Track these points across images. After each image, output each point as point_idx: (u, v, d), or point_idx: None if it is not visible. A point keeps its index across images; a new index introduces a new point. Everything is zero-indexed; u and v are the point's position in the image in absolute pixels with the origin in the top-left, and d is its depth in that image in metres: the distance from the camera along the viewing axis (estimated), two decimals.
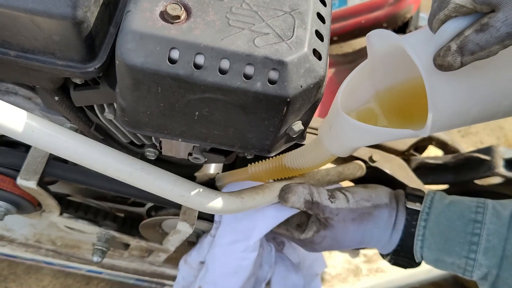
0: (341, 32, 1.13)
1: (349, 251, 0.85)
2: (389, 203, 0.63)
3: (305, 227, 0.63)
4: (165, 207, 0.71)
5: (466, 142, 1.58)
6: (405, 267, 0.65)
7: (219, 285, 0.65)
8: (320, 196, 0.60)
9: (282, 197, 0.59)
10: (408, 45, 0.43)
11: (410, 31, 1.07)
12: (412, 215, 0.61)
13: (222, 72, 0.39)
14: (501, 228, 0.55)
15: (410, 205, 0.62)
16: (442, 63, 0.41)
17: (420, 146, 0.97)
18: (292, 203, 0.59)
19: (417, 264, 0.64)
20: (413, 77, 0.53)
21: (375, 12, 1.10)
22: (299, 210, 0.61)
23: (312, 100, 0.43)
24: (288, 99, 0.40)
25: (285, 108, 0.41)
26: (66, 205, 0.73)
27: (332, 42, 1.17)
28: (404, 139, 0.90)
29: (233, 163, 0.84)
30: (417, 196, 0.63)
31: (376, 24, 1.08)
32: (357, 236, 0.62)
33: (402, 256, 0.62)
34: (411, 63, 0.47)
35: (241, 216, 0.62)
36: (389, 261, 0.65)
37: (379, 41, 0.49)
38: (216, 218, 0.64)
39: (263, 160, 0.65)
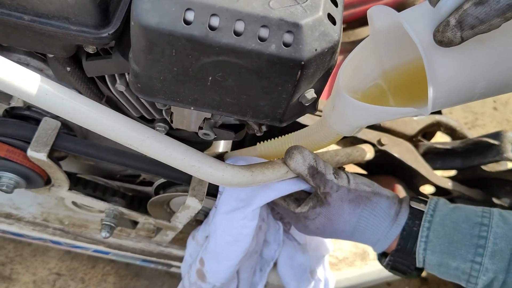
0: (350, 19, 1.13)
1: None
2: (391, 197, 0.61)
3: (302, 202, 0.62)
4: (174, 183, 0.71)
5: (473, 134, 1.56)
6: (403, 273, 0.62)
7: (220, 255, 0.65)
8: (326, 168, 0.59)
9: (288, 153, 0.58)
10: (407, 21, 0.42)
11: None
12: (416, 215, 0.59)
13: (237, 33, 0.39)
14: (509, 232, 0.53)
15: (414, 205, 0.60)
16: (442, 38, 0.40)
17: (428, 132, 0.97)
18: (296, 161, 0.57)
19: (417, 272, 0.61)
20: (419, 54, 0.53)
21: None
22: (302, 188, 0.60)
23: (326, 66, 0.43)
24: (303, 63, 0.40)
25: (299, 72, 0.41)
26: (75, 183, 0.74)
27: None
28: (413, 123, 0.89)
29: (242, 143, 0.84)
30: (422, 200, 0.62)
31: None
32: (352, 220, 0.60)
33: (402, 258, 0.60)
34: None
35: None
36: (386, 265, 0.63)
37: (380, 17, 0.49)
38: (220, 189, 0.64)
39: (272, 139, 0.66)
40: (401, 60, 0.54)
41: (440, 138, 1.07)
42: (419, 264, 0.59)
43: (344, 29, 1.16)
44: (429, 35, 0.41)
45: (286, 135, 0.65)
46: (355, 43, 1.16)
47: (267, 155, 0.66)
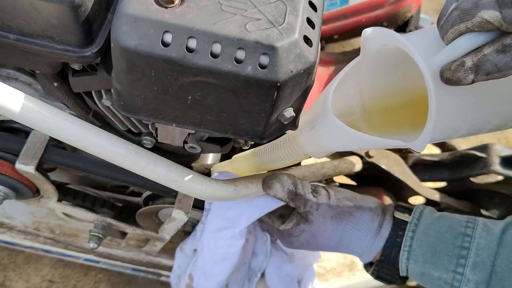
0: (342, 30, 1.14)
1: None
2: (374, 209, 0.62)
3: (286, 218, 0.63)
4: (162, 196, 0.72)
5: (466, 143, 1.57)
6: (388, 281, 0.62)
7: (208, 271, 0.66)
8: (304, 189, 0.59)
9: (266, 183, 0.58)
10: (415, 50, 0.40)
11: (410, 30, 1.08)
12: (399, 225, 0.60)
13: (214, 55, 0.40)
14: (491, 243, 0.54)
15: (398, 215, 0.61)
16: (451, 77, 0.38)
17: None
18: (275, 190, 0.58)
19: (401, 280, 0.62)
20: (404, 83, 0.51)
21: (376, 11, 1.11)
22: (285, 203, 0.61)
23: (303, 86, 0.44)
24: (278, 84, 0.41)
25: (275, 93, 0.42)
26: (65, 193, 0.75)
27: (333, 40, 1.17)
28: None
29: (231, 154, 0.85)
30: (407, 208, 0.62)
31: (376, 23, 1.09)
32: (335, 236, 0.61)
33: (386, 268, 0.61)
34: (406, 68, 0.46)
35: (229, 204, 0.63)
36: (372, 273, 0.63)
37: (375, 39, 0.46)
38: (206, 206, 0.65)
39: (245, 151, 0.65)
40: (382, 86, 0.52)
41: (431, 149, 1.08)
42: (402, 273, 0.60)
43: (337, 40, 1.17)
44: (432, 68, 0.39)
45: (255, 148, 0.63)
46: (347, 53, 1.18)
47: (241, 167, 0.66)
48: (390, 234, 0.60)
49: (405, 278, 0.62)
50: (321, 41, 1.12)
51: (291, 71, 0.41)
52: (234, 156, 0.66)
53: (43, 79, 0.56)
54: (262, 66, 0.40)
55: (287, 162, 0.59)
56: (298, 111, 0.48)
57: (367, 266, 0.65)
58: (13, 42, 0.46)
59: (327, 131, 0.50)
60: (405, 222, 0.60)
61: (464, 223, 0.57)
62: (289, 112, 0.46)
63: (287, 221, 0.62)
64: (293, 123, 0.50)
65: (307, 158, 0.59)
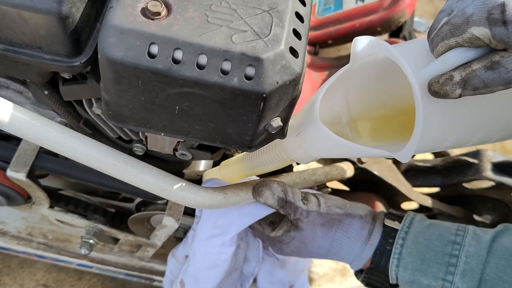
0: (335, 35, 1.14)
1: None
2: (364, 216, 0.62)
3: (277, 225, 0.63)
4: (154, 202, 0.72)
5: (461, 149, 1.58)
6: None
7: (199, 278, 0.66)
8: (294, 196, 0.59)
9: (256, 191, 0.58)
10: (405, 61, 0.40)
11: (404, 36, 1.09)
12: (389, 233, 0.60)
13: (200, 67, 0.40)
14: (481, 251, 0.54)
15: (388, 223, 0.61)
16: (438, 90, 0.38)
17: None
18: (265, 198, 0.58)
19: (391, 287, 0.62)
20: (392, 93, 0.51)
21: (370, 16, 1.11)
22: (275, 210, 0.61)
23: (289, 97, 0.44)
24: (264, 95, 0.41)
25: (261, 104, 0.42)
26: (57, 199, 0.75)
27: (327, 45, 1.18)
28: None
29: (223, 160, 0.85)
30: (397, 216, 0.62)
31: (370, 28, 1.09)
32: (325, 243, 0.61)
33: (376, 275, 0.61)
34: (394, 78, 0.46)
35: (220, 212, 0.63)
36: (362, 281, 0.63)
37: (365, 48, 0.47)
38: (196, 213, 0.66)
39: (231, 157, 0.65)
40: (369, 95, 0.53)
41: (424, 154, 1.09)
42: (392, 281, 0.60)
43: (331, 45, 1.17)
44: (421, 81, 0.39)
45: (241, 153, 0.64)
46: (341, 58, 1.18)
47: (229, 173, 0.66)
48: (380, 242, 0.60)
49: (396, 286, 0.62)
50: (315, 46, 1.12)
51: (277, 82, 0.41)
52: (223, 162, 0.67)
53: (34, 88, 0.56)
54: (248, 78, 0.40)
55: (273, 167, 0.59)
56: (285, 120, 0.48)
57: (358, 273, 0.65)
58: (2, 52, 0.46)
59: (313, 137, 0.50)
60: (395, 230, 0.60)
61: (454, 231, 0.57)
62: (276, 122, 0.47)
63: (278, 228, 0.62)
64: (281, 132, 0.50)
65: (290, 163, 0.59)
